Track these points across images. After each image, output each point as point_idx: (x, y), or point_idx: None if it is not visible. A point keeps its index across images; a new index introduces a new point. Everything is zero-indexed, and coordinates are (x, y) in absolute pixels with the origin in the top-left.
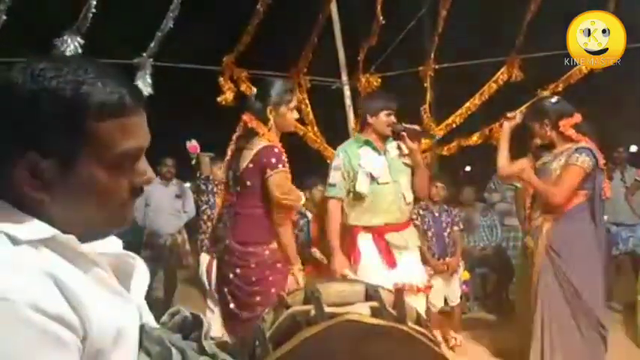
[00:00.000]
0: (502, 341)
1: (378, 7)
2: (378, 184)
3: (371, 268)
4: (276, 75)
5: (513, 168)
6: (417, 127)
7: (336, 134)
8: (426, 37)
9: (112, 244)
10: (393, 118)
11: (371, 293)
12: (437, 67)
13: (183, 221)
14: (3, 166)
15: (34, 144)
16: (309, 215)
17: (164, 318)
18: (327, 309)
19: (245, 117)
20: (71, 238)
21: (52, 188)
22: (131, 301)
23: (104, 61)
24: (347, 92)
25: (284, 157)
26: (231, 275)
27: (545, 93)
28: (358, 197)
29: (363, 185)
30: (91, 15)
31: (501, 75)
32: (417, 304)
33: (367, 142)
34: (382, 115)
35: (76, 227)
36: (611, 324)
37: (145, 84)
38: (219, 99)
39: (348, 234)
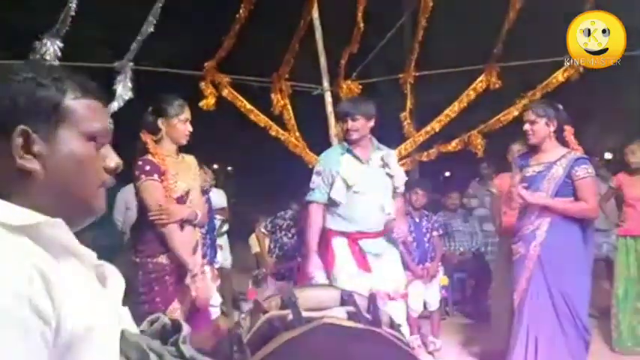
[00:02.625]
0: (481, 345)
1: (359, 14)
2: (354, 192)
3: (345, 271)
4: (258, 80)
5: (540, 200)
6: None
7: (317, 140)
8: (407, 45)
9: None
10: (349, 125)
11: (345, 298)
12: (417, 74)
13: None
14: None
15: (24, 122)
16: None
17: (143, 325)
18: (304, 313)
19: (141, 133)
20: (58, 222)
21: (41, 160)
22: (108, 299)
23: (84, 65)
24: (328, 98)
25: (151, 168)
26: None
27: (524, 101)
28: (333, 203)
29: (338, 192)
30: (70, 18)
31: (480, 83)
32: (396, 309)
33: (349, 150)
34: (344, 122)
35: (59, 211)
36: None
37: (125, 88)
38: (200, 104)
39: (324, 237)
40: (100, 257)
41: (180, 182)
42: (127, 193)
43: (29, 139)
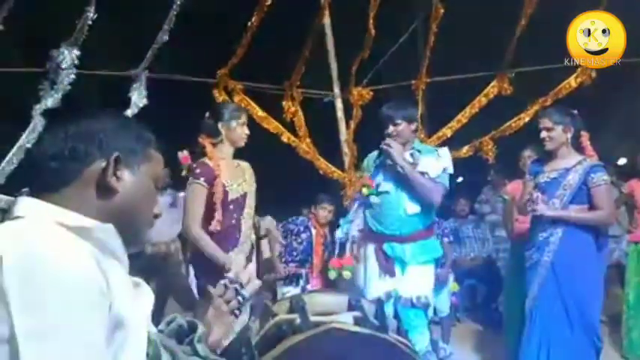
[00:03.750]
0: (492, 352)
1: (370, 21)
2: (378, 192)
3: (371, 271)
4: (269, 87)
5: (557, 214)
6: (398, 150)
7: (328, 146)
8: (419, 51)
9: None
10: (390, 129)
11: (353, 304)
12: (428, 80)
13: (177, 231)
14: (82, 165)
15: (119, 150)
16: (313, 231)
17: (161, 326)
18: (312, 318)
19: (200, 138)
20: (109, 228)
21: (122, 184)
22: (143, 297)
23: (100, 73)
24: (339, 105)
25: (201, 171)
26: None
27: (536, 107)
28: (367, 203)
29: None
30: (87, 27)
31: (491, 89)
32: (415, 317)
33: (380, 151)
34: (387, 126)
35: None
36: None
37: (140, 95)
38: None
39: (362, 235)
40: None
41: (237, 186)
42: None
43: (119, 165)
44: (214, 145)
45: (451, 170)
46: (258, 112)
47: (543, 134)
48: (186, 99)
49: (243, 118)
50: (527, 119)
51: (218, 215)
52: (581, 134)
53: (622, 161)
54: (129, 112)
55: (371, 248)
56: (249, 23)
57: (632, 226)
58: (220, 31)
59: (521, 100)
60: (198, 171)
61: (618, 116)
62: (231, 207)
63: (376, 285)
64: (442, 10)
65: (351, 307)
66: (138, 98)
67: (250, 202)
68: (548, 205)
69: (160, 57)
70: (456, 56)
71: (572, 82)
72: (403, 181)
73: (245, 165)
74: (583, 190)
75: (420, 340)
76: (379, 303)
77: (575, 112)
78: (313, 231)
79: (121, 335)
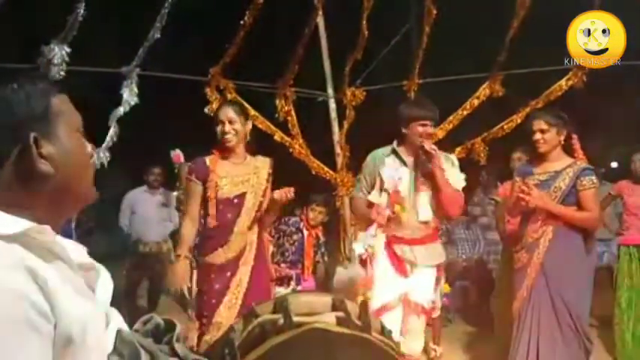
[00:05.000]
0: (482, 353)
1: (363, 22)
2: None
3: (382, 272)
4: (263, 86)
5: (546, 202)
6: (439, 154)
7: (321, 147)
8: (412, 52)
9: (78, 252)
10: (429, 129)
11: (337, 304)
12: (421, 81)
13: (169, 230)
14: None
15: (31, 129)
16: (305, 233)
17: (137, 325)
18: (295, 318)
19: None
20: (45, 229)
21: (52, 161)
22: (95, 301)
23: (91, 70)
24: (332, 105)
25: (195, 167)
26: None
27: (527, 109)
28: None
29: (376, 194)
30: (78, 24)
31: (483, 91)
32: (416, 324)
33: (393, 151)
34: (415, 125)
35: (66, 206)
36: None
37: (131, 93)
38: (206, 109)
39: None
40: (108, 262)
41: (231, 186)
42: (132, 198)
43: (39, 144)
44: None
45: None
46: (250, 112)
47: (537, 136)
48: (178, 97)
49: (222, 117)
50: (518, 121)
51: (212, 211)
52: (572, 137)
53: (614, 164)
54: (120, 110)
55: (381, 249)
56: (242, 21)
57: (622, 229)
58: (214, 30)
59: (514, 102)
60: (192, 167)
61: (611, 119)
62: (221, 206)
63: (387, 287)
64: (435, 12)
65: (335, 308)
66: (129, 96)
67: (250, 203)
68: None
69: (153, 55)
70: (449, 57)
71: (563, 84)
72: (421, 187)
73: (259, 164)
74: (572, 193)
75: (417, 344)
76: (362, 304)
77: (565, 115)
78: (305, 232)
79: (72, 349)
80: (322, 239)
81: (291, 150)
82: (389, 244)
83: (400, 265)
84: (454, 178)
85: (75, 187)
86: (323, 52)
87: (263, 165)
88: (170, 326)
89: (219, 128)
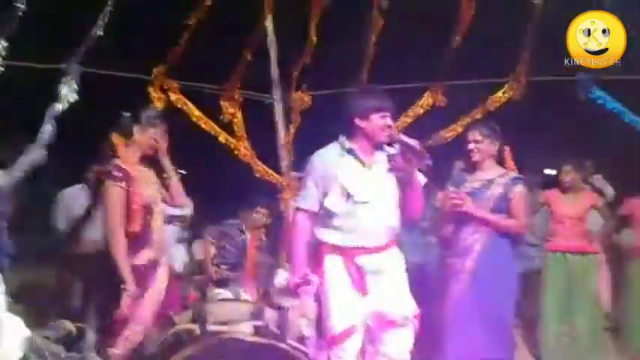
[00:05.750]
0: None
1: (312, 27)
2: (354, 202)
3: (339, 293)
4: (208, 87)
5: (477, 210)
6: (416, 142)
7: (266, 149)
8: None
9: None
10: (389, 122)
11: (256, 313)
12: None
13: None
14: None
15: None
16: (248, 234)
17: (48, 332)
18: (212, 327)
19: (112, 136)
20: None
21: None
22: None
23: (29, 65)
24: (279, 108)
25: (120, 173)
26: None
27: (468, 119)
28: (328, 213)
29: (334, 201)
30: (17, 18)
31: (426, 99)
32: (403, 339)
33: (350, 151)
34: (375, 117)
35: None
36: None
37: (70, 90)
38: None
39: (315, 251)
40: (41, 261)
41: (146, 190)
42: (68, 196)
43: None
44: (126, 145)
45: None
46: (195, 112)
47: (471, 146)
48: (120, 96)
49: (161, 128)
50: (459, 130)
51: (134, 218)
52: (504, 148)
53: (550, 171)
54: (59, 107)
55: (334, 265)
56: (188, 22)
57: (550, 235)
58: (159, 28)
59: (454, 111)
60: (117, 174)
61: (547, 130)
62: (144, 210)
63: (347, 308)
64: (382, 21)
65: (254, 316)
66: (68, 92)
67: (160, 207)
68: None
69: (95, 52)
70: (395, 66)
71: (501, 96)
72: (384, 188)
73: (149, 171)
74: (504, 201)
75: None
76: (282, 312)
77: (497, 127)
78: (247, 234)
79: None
80: (264, 241)
81: (236, 152)
82: (348, 258)
83: (361, 280)
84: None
85: None
86: (271, 55)
87: (151, 173)
88: (82, 333)
89: (155, 138)
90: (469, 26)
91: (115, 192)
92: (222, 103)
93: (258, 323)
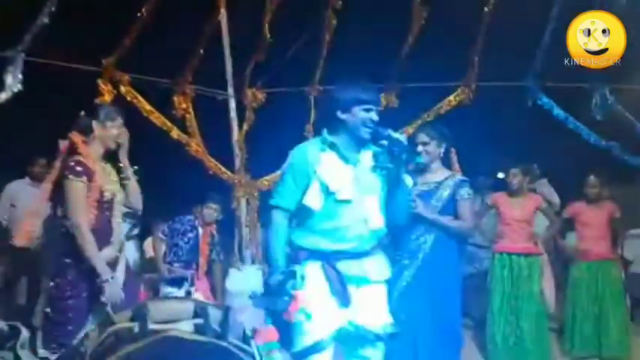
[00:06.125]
0: None
1: (265, 25)
2: (335, 200)
3: (317, 303)
4: (160, 81)
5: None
6: (404, 137)
7: (219, 146)
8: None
9: None
10: (374, 116)
11: (198, 311)
12: (322, 88)
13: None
14: None
15: None
16: (200, 230)
17: None
18: (153, 326)
19: (71, 134)
20: None
21: None
22: None
23: None
24: (232, 104)
25: (81, 169)
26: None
27: (419, 121)
28: (306, 213)
29: (314, 199)
30: None
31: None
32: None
33: (332, 146)
34: (358, 110)
35: None
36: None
37: (14, 79)
38: (96, 100)
39: (294, 255)
40: None
41: (108, 186)
42: (13, 190)
43: None
44: (85, 142)
45: None
46: (146, 106)
47: (420, 148)
48: (68, 87)
49: (119, 120)
50: (410, 132)
51: (94, 214)
52: (451, 151)
53: (500, 175)
54: (2, 96)
55: (314, 271)
56: (139, 13)
57: (498, 237)
58: (111, 18)
59: (408, 114)
60: (78, 169)
61: (498, 133)
62: (105, 206)
63: (327, 317)
64: (335, 21)
65: (196, 314)
66: (12, 82)
67: (118, 202)
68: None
69: (42, 40)
70: (349, 66)
71: (452, 99)
72: (369, 188)
73: (110, 167)
74: (451, 203)
75: None
76: (226, 309)
77: (446, 129)
78: (200, 230)
79: None
80: (217, 237)
81: (187, 148)
82: (328, 263)
83: (342, 288)
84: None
85: None
86: (225, 51)
87: (112, 169)
88: (15, 332)
89: (116, 132)
90: (422, 29)
91: (76, 186)
92: (174, 98)
93: (199, 321)
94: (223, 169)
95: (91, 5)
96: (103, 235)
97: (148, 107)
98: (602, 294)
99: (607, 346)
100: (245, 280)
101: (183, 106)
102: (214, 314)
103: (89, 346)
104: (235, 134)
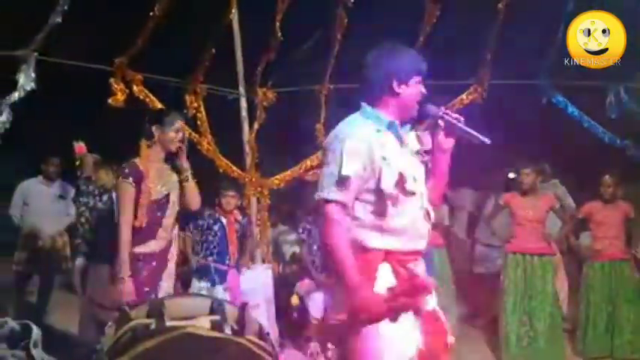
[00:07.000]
0: None
1: (277, 24)
2: (405, 191)
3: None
4: (172, 80)
5: None
6: (461, 118)
7: (231, 145)
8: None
9: None
10: (423, 89)
11: (215, 307)
12: (332, 86)
13: (65, 224)
14: None
15: None
16: (224, 220)
17: None
18: (170, 322)
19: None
20: None
21: None
22: None
23: None
24: (243, 104)
25: (129, 170)
26: None
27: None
28: (380, 209)
29: (388, 185)
30: None
31: None
32: None
33: (391, 126)
34: (414, 82)
35: None
36: (475, 339)
37: (27, 78)
38: (109, 100)
39: (362, 261)
40: None
41: (161, 187)
42: (25, 188)
43: None
44: (149, 147)
45: None
46: (158, 105)
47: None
48: (81, 86)
49: (177, 125)
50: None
51: (142, 213)
52: None
53: (512, 175)
54: (15, 95)
55: (386, 276)
56: (152, 13)
57: (511, 237)
58: (123, 18)
59: None
60: (126, 171)
61: (510, 133)
62: (155, 206)
63: (404, 339)
64: (346, 19)
65: (212, 311)
66: (25, 81)
67: (173, 201)
68: None
69: (55, 40)
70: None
71: (465, 98)
72: (423, 179)
73: (169, 168)
74: None
75: None
76: (242, 307)
77: None
78: (223, 220)
79: None
80: (243, 221)
81: (199, 147)
82: (402, 264)
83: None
84: None
85: None
86: (236, 50)
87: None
88: (27, 331)
89: (174, 136)
90: (435, 28)
91: (123, 187)
92: (186, 97)
93: (216, 318)
94: (234, 168)
95: (103, 5)
96: (150, 230)
97: (160, 106)
98: (616, 294)
99: (620, 346)
100: (255, 279)
101: (195, 105)
102: (231, 311)
103: (106, 343)
104: (246, 133)
